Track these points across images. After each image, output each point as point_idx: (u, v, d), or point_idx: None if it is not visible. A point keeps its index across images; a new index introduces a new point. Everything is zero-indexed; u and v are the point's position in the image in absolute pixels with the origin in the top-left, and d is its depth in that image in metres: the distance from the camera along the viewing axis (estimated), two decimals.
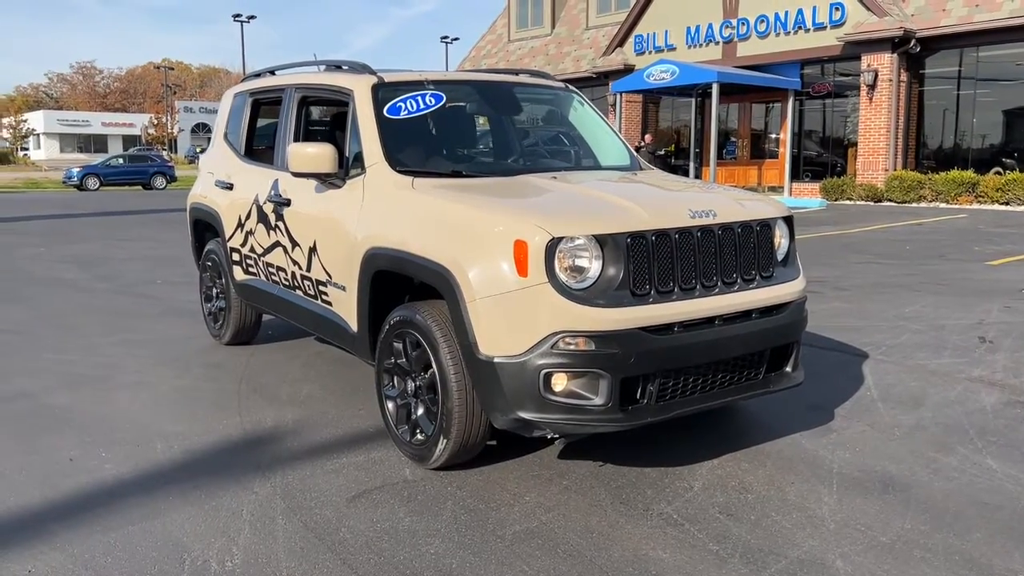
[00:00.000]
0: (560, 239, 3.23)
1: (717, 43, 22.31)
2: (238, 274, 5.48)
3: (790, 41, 20.81)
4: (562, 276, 3.25)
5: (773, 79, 21.19)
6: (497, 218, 3.42)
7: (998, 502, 3.38)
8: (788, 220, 3.98)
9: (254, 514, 3.32)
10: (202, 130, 73.12)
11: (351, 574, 2.86)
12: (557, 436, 3.48)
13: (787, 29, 20.79)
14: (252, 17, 45.59)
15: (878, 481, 3.59)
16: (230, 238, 5.47)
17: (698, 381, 3.56)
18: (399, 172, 4.01)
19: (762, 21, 21.21)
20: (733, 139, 23.76)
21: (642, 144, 20.86)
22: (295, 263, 4.66)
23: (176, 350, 5.86)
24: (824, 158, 21.86)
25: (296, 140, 4.84)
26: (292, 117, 4.88)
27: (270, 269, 5.01)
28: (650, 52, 23.70)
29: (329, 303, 4.39)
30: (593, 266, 3.30)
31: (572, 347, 3.24)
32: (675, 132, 25.74)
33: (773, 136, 22.76)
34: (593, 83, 25.75)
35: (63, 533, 3.16)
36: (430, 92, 4.38)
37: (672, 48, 23.28)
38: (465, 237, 3.45)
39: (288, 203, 4.67)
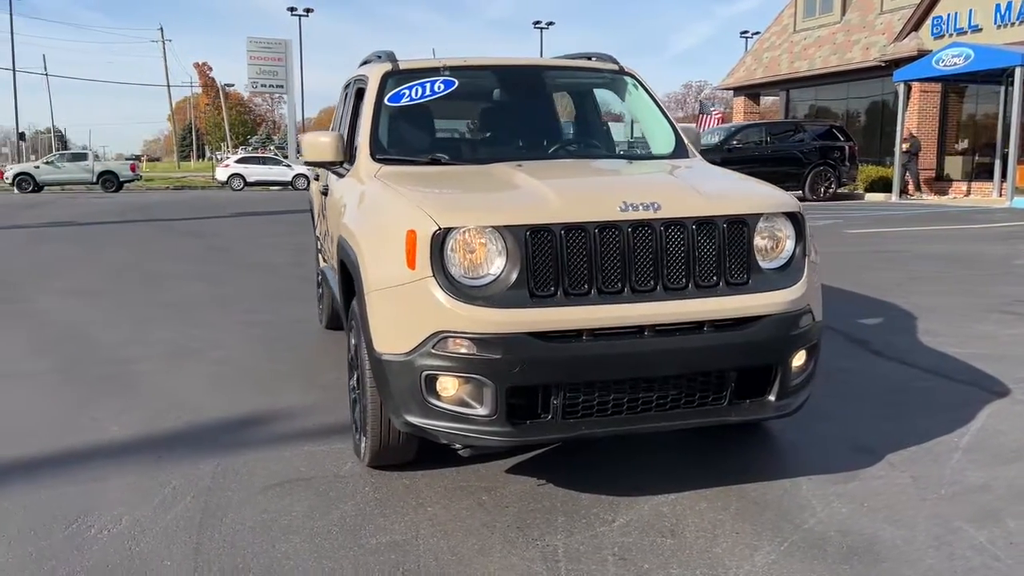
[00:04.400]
0: (448, 230, 2.94)
1: None
2: (320, 261, 5.71)
3: None
4: (453, 271, 2.96)
5: None
6: (399, 207, 3.20)
7: None
8: (793, 217, 3.28)
9: (176, 489, 3.42)
10: None
11: (191, 560, 2.84)
12: (460, 447, 3.18)
13: None
14: (551, 23, 47.40)
15: (849, 547, 2.84)
16: (315, 227, 5.71)
17: (623, 400, 3.05)
18: (376, 160, 3.91)
19: None
20: None
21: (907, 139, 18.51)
22: (328, 251, 4.75)
23: (280, 332, 6.23)
24: None
25: (350, 131, 4.91)
26: (349, 108, 4.96)
27: (326, 256, 5.15)
28: (950, 35, 20.93)
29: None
30: (496, 262, 2.96)
31: (460, 350, 2.94)
32: (984, 126, 22.46)
33: None
34: (883, 72, 23.32)
35: (17, 484, 3.48)
36: (442, 79, 4.22)
37: (977, 29, 20.35)
38: (375, 226, 3.28)
39: (327, 192, 4.77)
